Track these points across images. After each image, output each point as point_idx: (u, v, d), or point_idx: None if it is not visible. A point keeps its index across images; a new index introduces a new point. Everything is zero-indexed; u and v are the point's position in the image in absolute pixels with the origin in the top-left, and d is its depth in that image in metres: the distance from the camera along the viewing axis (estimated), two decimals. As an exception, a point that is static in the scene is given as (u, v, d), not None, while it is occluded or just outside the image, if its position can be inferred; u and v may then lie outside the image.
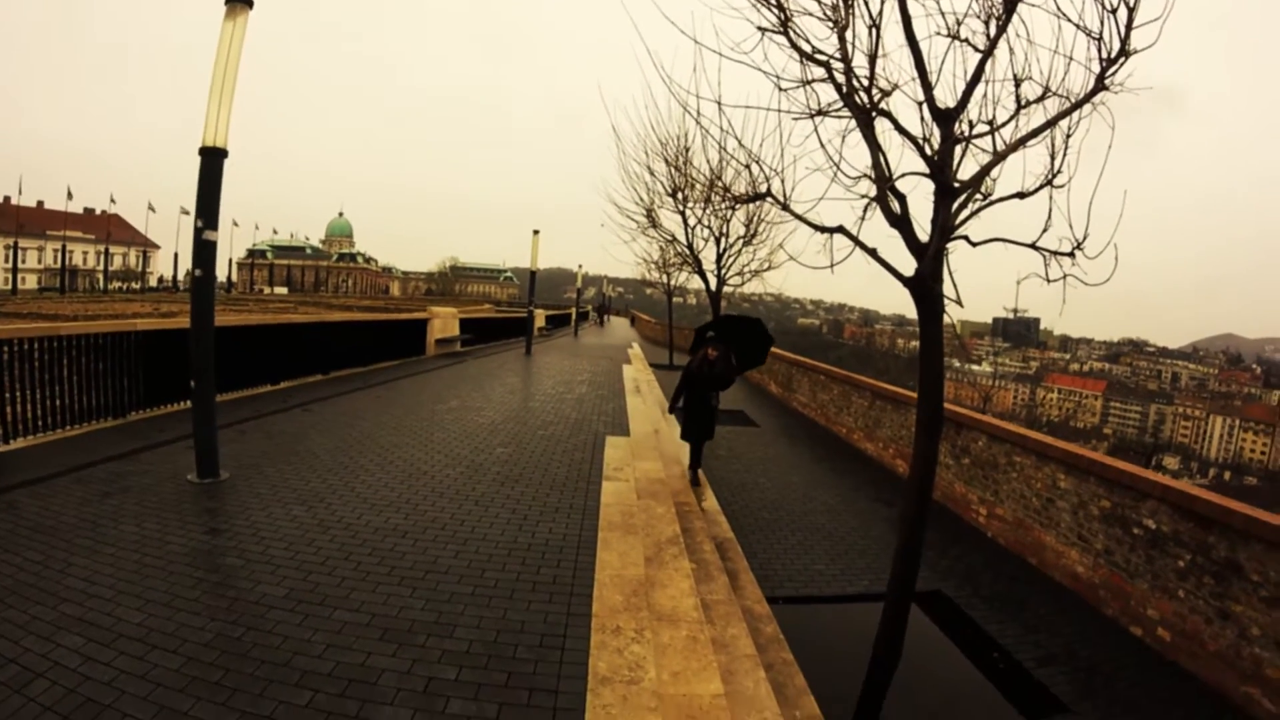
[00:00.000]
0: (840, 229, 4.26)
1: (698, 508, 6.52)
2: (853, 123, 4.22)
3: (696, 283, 19.28)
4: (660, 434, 9.43)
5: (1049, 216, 4.10)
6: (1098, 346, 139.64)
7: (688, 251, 17.27)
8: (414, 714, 2.89)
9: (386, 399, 10.54)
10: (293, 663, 3.19)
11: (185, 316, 6.02)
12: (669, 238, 18.02)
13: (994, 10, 3.95)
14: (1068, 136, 4.09)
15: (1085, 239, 3.98)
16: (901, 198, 4.16)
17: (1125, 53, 3.93)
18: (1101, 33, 3.92)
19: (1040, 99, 4.16)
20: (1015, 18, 3.91)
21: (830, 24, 4.15)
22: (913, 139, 4.18)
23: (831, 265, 4.38)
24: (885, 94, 4.18)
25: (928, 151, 4.15)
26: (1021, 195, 4.19)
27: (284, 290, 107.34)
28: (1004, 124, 4.20)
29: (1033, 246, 4.13)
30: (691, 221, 16.52)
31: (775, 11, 4.16)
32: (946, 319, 4.37)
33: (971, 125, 4.21)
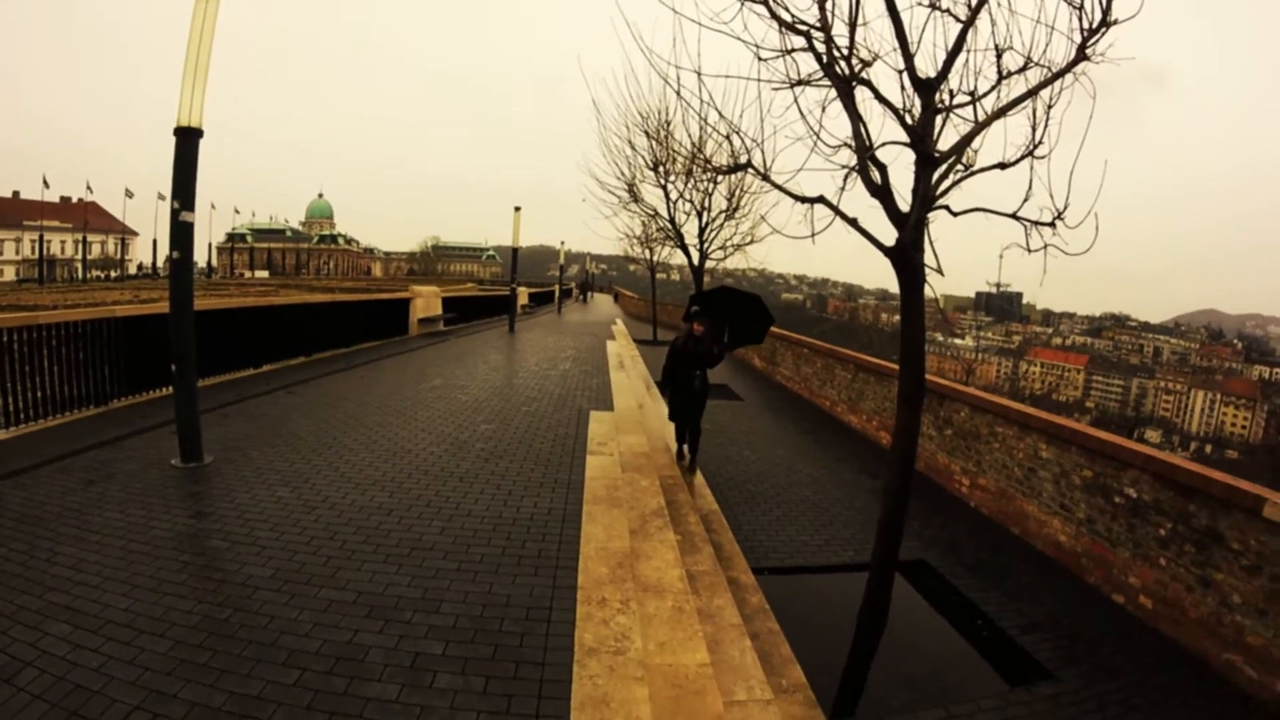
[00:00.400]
0: (821, 199, 4.26)
1: (683, 481, 6.55)
2: (833, 92, 4.21)
3: (680, 258, 19.21)
4: (644, 408, 9.46)
5: (1029, 187, 4.12)
6: (1080, 321, 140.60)
7: (670, 226, 17.16)
8: (401, 689, 2.91)
9: (370, 379, 10.48)
10: (280, 642, 3.19)
11: (165, 302, 5.94)
12: (651, 212, 17.95)
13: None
14: (1049, 107, 4.10)
15: (1066, 209, 4.00)
16: (882, 168, 4.16)
17: (1106, 23, 3.94)
18: (1083, 2, 3.92)
19: (1022, 69, 4.16)
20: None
21: (810, -9, 4.12)
22: (893, 108, 4.18)
23: (813, 235, 4.38)
24: (866, 64, 4.17)
25: (909, 121, 4.15)
26: (1003, 166, 4.20)
27: (265, 274, 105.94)
28: (985, 94, 4.20)
29: (1013, 216, 4.15)
30: (673, 195, 16.40)
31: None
32: (929, 292, 4.38)
33: (952, 95, 4.20)
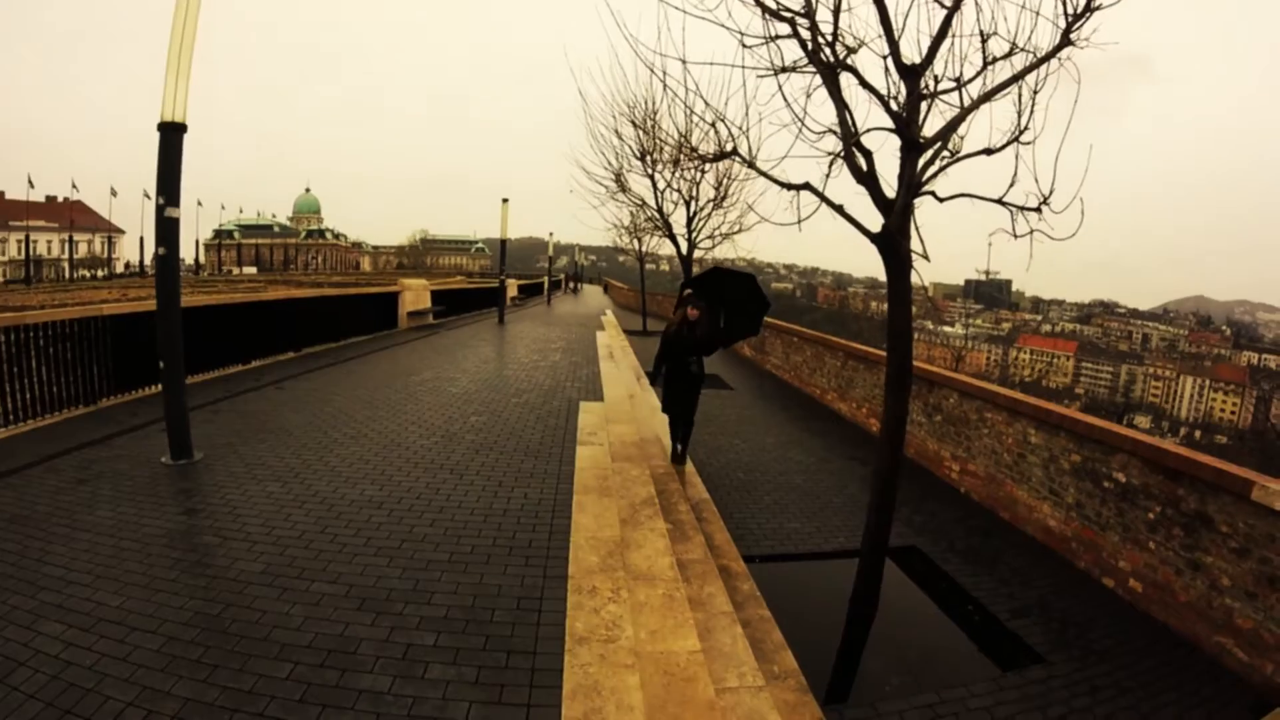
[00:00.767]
0: (807, 185, 4.26)
1: (673, 470, 6.55)
2: (818, 79, 4.20)
3: (669, 248, 19.17)
4: (634, 399, 9.46)
5: (1015, 172, 4.12)
6: (1069, 308, 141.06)
7: (658, 216, 17.12)
8: (394, 681, 2.92)
9: (359, 373, 10.46)
10: (272, 636, 3.20)
11: (153, 300, 5.89)
12: (639, 202, 17.86)
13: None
14: (1035, 93, 4.10)
15: (1051, 194, 4.01)
16: (868, 154, 4.16)
17: (1090, 8, 3.94)
18: (1068, -14, 3.92)
19: (1007, 55, 4.16)
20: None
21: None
22: (879, 95, 4.18)
23: (799, 222, 4.39)
24: (851, 50, 4.16)
25: (894, 107, 4.15)
26: (989, 151, 4.21)
27: (253, 270, 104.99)
28: (970, 80, 4.20)
29: (999, 201, 4.16)
30: (660, 185, 16.35)
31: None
32: (917, 279, 4.39)
33: (938, 81, 4.20)
